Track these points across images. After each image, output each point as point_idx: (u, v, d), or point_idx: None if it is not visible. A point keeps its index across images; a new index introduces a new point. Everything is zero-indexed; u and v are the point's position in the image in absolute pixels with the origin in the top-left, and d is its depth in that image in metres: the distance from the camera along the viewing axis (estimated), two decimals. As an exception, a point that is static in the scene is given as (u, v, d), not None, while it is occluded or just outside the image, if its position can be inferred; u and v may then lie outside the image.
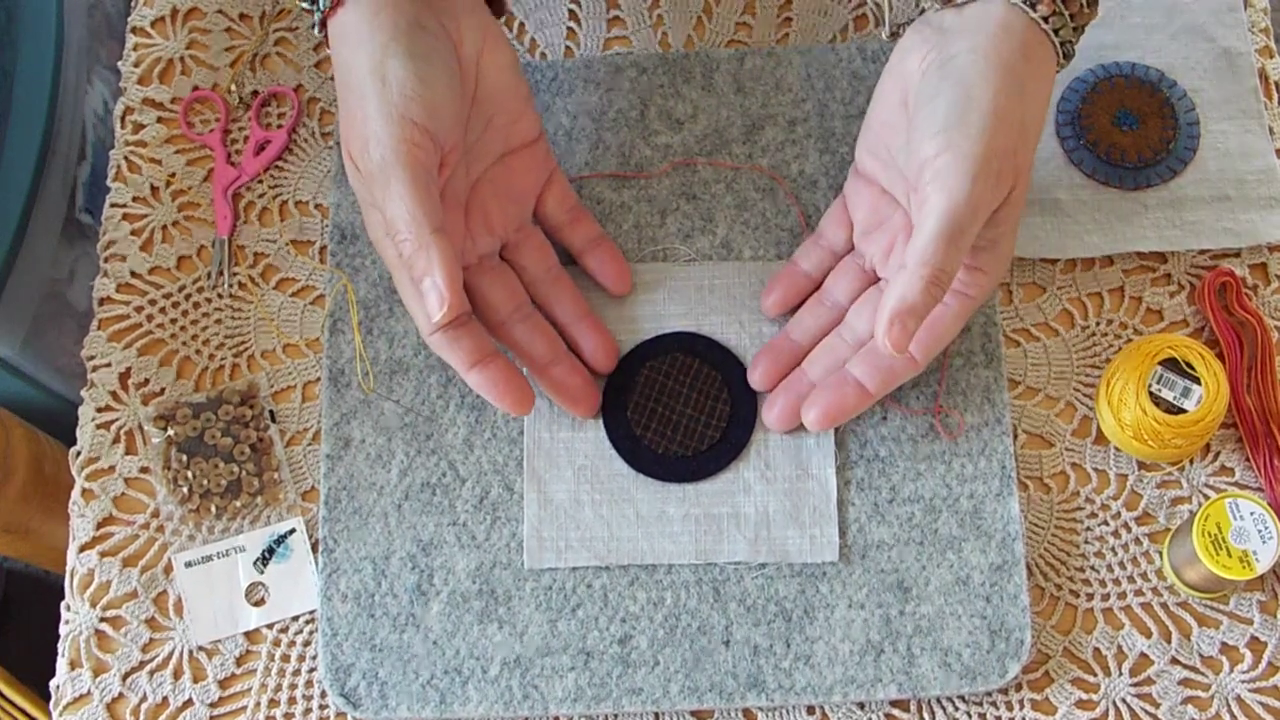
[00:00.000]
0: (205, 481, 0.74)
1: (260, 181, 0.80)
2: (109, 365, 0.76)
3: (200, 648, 0.72)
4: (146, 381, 0.76)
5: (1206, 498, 0.72)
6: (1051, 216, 0.77)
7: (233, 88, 0.82)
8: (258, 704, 0.71)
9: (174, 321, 0.77)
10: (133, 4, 0.85)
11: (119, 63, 0.83)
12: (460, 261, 0.67)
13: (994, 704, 0.69)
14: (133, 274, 0.78)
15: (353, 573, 0.71)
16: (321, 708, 0.70)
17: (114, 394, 0.76)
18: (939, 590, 0.70)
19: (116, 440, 0.75)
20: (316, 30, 0.67)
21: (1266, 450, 0.72)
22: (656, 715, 0.70)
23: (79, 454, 0.75)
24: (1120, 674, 0.70)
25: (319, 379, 0.76)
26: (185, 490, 0.74)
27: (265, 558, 0.73)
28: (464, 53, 0.67)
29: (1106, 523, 0.72)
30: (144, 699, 0.71)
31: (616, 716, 0.70)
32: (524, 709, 0.69)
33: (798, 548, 0.71)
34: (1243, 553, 0.66)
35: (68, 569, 0.73)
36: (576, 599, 0.70)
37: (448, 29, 0.66)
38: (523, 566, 0.71)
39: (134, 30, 0.84)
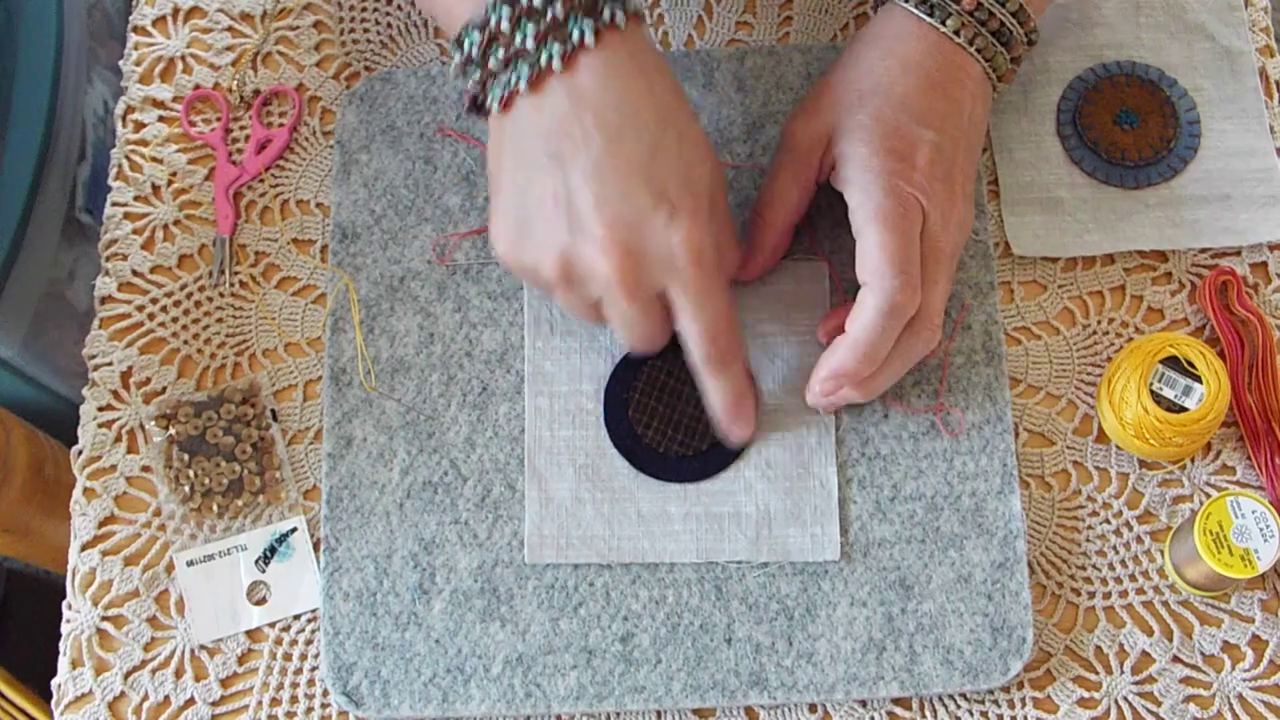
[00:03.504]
0: (207, 480, 0.74)
1: (261, 180, 0.80)
2: (110, 364, 0.76)
3: (202, 646, 0.72)
4: (148, 380, 0.76)
5: (1208, 496, 0.72)
6: (1052, 215, 0.77)
7: (234, 86, 0.82)
8: (259, 703, 0.70)
9: (175, 320, 0.77)
10: (134, 3, 0.85)
11: (120, 62, 0.83)
12: None
13: (996, 702, 0.69)
14: (134, 273, 0.78)
15: (354, 571, 0.71)
16: (323, 706, 0.70)
17: (115, 393, 0.76)
18: (941, 588, 0.70)
19: (118, 439, 0.75)
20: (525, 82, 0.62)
21: (1268, 448, 0.72)
22: (659, 713, 0.70)
23: (80, 453, 0.75)
24: (1122, 672, 0.70)
25: (320, 378, 0.76)
26: (187, 489, 0.73)
27: (267, 556, 0.73)
28: None
29: (1108, 521, 0.72)
30: (146, 698, 0.71)
31: (619, 715, 0.70)
32: (526, 707, 0.69)
33: (799, 546, 0.71)
34: (1244, 551, 0.66)
35: (69, 568, 0.73)
36: (579, 597, 0.70)
37: None
38: (524, 564, 0.71)
39: (135, 29, 0.84)
